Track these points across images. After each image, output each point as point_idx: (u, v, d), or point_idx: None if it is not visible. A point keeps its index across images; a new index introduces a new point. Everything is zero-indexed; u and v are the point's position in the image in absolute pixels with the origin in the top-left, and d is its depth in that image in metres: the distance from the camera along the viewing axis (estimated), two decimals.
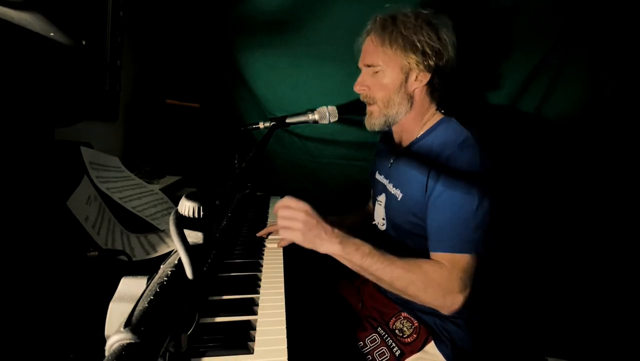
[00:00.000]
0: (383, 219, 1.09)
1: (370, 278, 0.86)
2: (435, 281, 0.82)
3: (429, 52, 0.91)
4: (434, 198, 0.88)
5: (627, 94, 1.30)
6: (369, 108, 1.03)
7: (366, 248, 0.83)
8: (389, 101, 0.97)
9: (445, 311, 0.84)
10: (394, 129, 1.07)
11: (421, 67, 0.92)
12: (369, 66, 0.98)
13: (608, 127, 1.35)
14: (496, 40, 1.31)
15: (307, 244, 0.83)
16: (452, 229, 0.85)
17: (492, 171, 0.87)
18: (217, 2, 1.42)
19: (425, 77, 0.94)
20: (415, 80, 0.95)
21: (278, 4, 1.34)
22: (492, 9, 1.26)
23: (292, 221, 0.83)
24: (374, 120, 1.02)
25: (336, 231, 0.84)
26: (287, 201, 0.85)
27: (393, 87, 0.95)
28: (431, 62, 0.92)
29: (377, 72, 0.97)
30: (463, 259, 0.84)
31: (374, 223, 1.16)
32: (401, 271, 0.82)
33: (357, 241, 0.84)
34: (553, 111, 1.37)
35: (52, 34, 0.81)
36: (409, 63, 0.93)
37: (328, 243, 0.83)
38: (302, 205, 0.84)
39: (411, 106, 0.98)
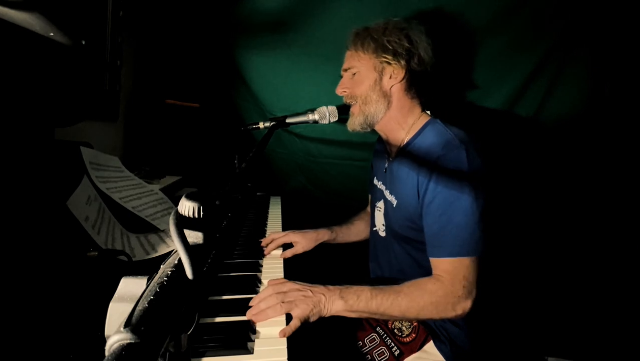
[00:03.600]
0: (383, 225, 1.10)
1: (382, 318, 0.86)
2: (442, 297, 0.83)
3: (400, 51, 0.97)
4: (427, 203, 0.89)
5: (627, 94, 1.30)
6: (351, 110, 1.07)
7: (366, 291, 0.82)
8: (366, 97, 1.01)
9: (460, 317, 0.85)
10: (380, 132, 1.08)
11: (394, 65, 0.98)
12: (347, 70, 1.06)
13: (608, 127, 1.35)
14: (496, 41, 1.31)
15: (315, 317, 0.79)
16: (448, 234, 0.85)
17: (482, 171, 0.87)
18: (217, 2, 1.42)
19: (399, 74, 0.99)
20: (390, 78, 1.00)
21: (278, 4, 1.34)
22: (492, 10, 1.26)
23: (292, 304, 0.78)
24: (354, 119, 1.05)
25: (331, 288, 0.83)
26: (275, 288, 0.81)
27: (369, 84, 1.01)
28: (402, 61, 0.97)
29: (354, 74, 1.04)
30: (462, 264, 0.84)
31: (374, 228, 1.16)
32: (408, 300, 0.83)
33: (356, 288, 0.83)
34: (554, 111, 1.37)
35: (52, 34, 0.81)
36: (381, 62, 0.99)
37: (330, 303, 0.81)
38: (288, 285, 0.82)
39: (389, 104, 1.01)
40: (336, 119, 1.18)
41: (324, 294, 0.81)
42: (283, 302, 0.76)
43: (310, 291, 0.81)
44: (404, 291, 0.84)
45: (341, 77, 1.08)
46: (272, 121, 1.17)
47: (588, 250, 1.49)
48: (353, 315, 0.83)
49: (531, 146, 1.44)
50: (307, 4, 1.33)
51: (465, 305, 0.83)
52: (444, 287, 0.84)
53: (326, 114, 1.16)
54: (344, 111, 1.19)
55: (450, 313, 0.84)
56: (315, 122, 1.17)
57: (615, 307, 1.48)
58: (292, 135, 1.63)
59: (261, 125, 1.19)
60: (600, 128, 1.36)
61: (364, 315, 0.84)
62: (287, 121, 1.18)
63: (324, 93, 1.45)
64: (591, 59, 1.29)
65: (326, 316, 0.81)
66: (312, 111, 1.17)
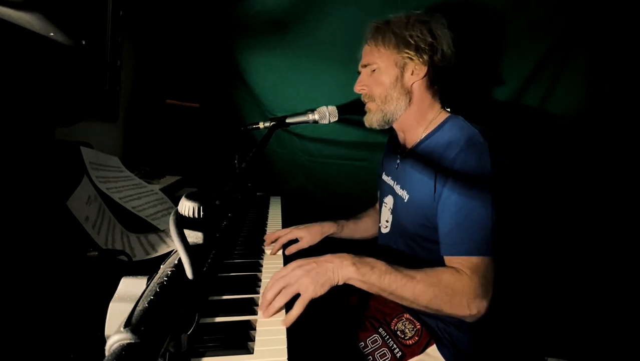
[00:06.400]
0: (387, 221, 1.09)
1: (390, 297, 0.79)
2: (459, 291, 0.77)
3: (423, 46, 0.93)
4: (443, 200, 0.85)
5: (626, 93, 1.30)
6: (367, 106, 1.04)
7: (382, 265, 0.77)
8: (386, 96, 0.98)
9: (470, 319, 0.80)
10: (397, 129, 1.06)
11: (416, 60, 0.94)
12: (366, 66, 1.02)
13: (607, 125, 1.36)
14: (497, 40, 1.31)
15: (325, 286, 0.74)
16: (466, 232, 0.81)
17: (503, 169, 0.84)
18: (217, 2, 1.42)
19: (422, 70, 0.95)
20: (412, 74, 0.96)
21: (278, 4, 1.34)
22: (492, 9, 1.26)
23: (296, 284, 0.74)
24: (371, 116, 1.02)
25: (343, 254, 0.78)
26: (278, 274, 0.78)
27: (389, 82, 0.97)
28: (425, 56, 0.94)
29: (374, 70, 1.00)
30: (481, 263, 0.80)
31: (378, 224, 1.16)
32: (423, 286, 0.77)
33: (371, 260, 0.78)
34: (554, 110, 1.37)
35: (52, 34, 0.81)
36: (402, 58, 0.95)
37: (340, 269, 0.76)
38: (290, 266, 0.78)
39: (410, 101, 0.98)
40: (336, 119, 1.18)
41: (331, 262, 0.76)
42: (285, 287, 0.74)
43: (315, 263, 0.76)
44: (419, 275, 0.78)
45: (359, 73, 1.05)
46: (272, 121, 1.17)
47: (588, 250, 1.49)
48: (364, 287, 0.77)
49: (530, 145, 1.44)
50: (308, 5, 1.33)
51: (481, 306, 0.77)
52: (462, 281, 0.78)
53: (326, 114, 1.16)
54: (344, 111, 1.19)
55: (464, 311, 0.77)
56: (315, 122, 1.17)
57: (615, 307, 1.48)
58: (292, 135, 1.63)
59: (261, 125, 1.19)
60: (600, 127, 1.36)
61: (374, 290, 0.78)
62: (287, 121, 1.18)
63: (324, 93, 1.45)
64: (591, 58, 1.29)
65: (339, 283, 0.75)
66: (312, 111, 1.17)
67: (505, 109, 1.41)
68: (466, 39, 1.30)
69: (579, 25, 1.24)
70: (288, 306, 0.75)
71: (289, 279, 0.75)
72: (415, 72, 0.96)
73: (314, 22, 1.36)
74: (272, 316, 0.73)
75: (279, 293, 0.74)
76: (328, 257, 0.78)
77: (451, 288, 0.77)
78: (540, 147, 1.44)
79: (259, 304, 0.75)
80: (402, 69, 0.96)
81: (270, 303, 0.73)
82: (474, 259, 0.80)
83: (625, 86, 1.30)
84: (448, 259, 0.84)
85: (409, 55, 0.94)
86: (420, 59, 0.94)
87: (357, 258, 0.78)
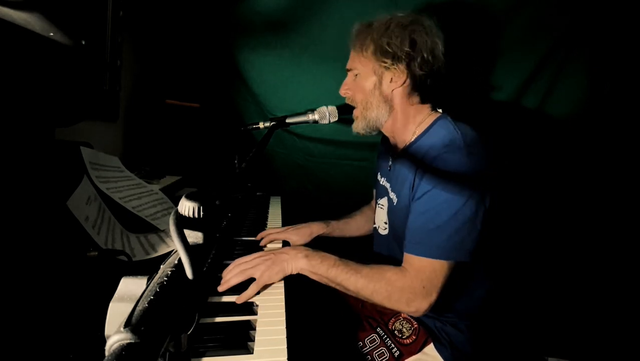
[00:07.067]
0: (385, 223, 1.09)
1: (338, 288, 0.87)
2: (398, 289, 0.83)
3: (400, 54, 0.91)
4: (415, 199, 0.87)
5: (626, 93, 1.30)
6: (354, 113, 1.04)
7: (331, 259, 0.87)
8: (366, 103, 0.98)
9: (416, 314, 0.86)
10: (386, 133, 1.06)
11: (394, 69, 0.92)
12: (349, 70, 1.03)
13: (607, 125, 1.36)
14: (498, 40, 1.31)
15: (279, 274, 0.85)
16: (426, 233, 0.83)
17: (481, 175, 0.83)
18: (217, 2, 1.42)
19: (400, 78, 0.93)
20: (391, 82, 0.95)
21: (278, 4, 1.34)
22: (493, 9, 1.26)
23: (253, 269, 0.84)
24: (357, 123, 1.03)
25: (299, 247, 0.90)
26: (240, 260, 0.88)
27: (368, 89, 0.97)
28: (402, 65, 0.92)
29: (356, 75, 1.00)
30: (430, 265, 0.82)
31: (375, 225, 1.15)
32: (365, 280, 0.84)
33: (323, 253, 0.88)
34: (554, 110, 1.37)
35: (52, 34, 0.81)
36: (380, 66, 0.94)
37: (294, 260, 0.86)
38: (252, 255, 0.88)
39: (391, 108, 0.97)
40: (336, 119, 1.18)
41: (287, 253, 0.87)
42: (243, 270, 0.83)
43: (273, 254, 0.87)
44: (364, 271, 0.85)
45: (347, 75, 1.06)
46: (272, 121, 1.17)
47: (588, 250, 1.49)
48: (315, 277, 0.87)
49: (530, 145, 1.44)
50: (308, 4, 1.33)
51: (420, 305, 0.83)
52: (403, 280, 0.83)
53: (326, 114, 1.16)
54: (344, 111, 1.19)
55: (403, 307, 0.85)
56: (316, 122, 1.17)
57: (615, 307, 1.48)
58: (292, 135, 1.63)
59: (261, 125, 1.19)
60: (600, 127, 1.36)
61: (323, 280, 0.87)
62: (287, 121, 1.17)
63: (324, 93, 1.45)
64: (591, 58, 1.29)
65: (293, 273, 0.86)
66: (312, 111, 1.17)
67: (506, 109, 1.41)
68: (466, 39, 1.30)
69: (579, 25, 1.24)
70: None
71: (248, 265, 0.85)
72: (394, 80, 0.94)
73: (315, 22, 1.36)
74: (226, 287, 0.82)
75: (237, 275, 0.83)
76: (285, 249, 0.89)
77: (392, 285, 0.84)
78: (540, 147, 1.44)
79: (221, 283, 0.83)
80: (381, 76, 0.95)
81: (226, 282, 0.82)
82: (424, 261, 0.83)
83: (625, 86, 1.30)
84: (405, 255, 0.87)
85: (386, 65, 0.92)
86: (397, 69, 0.92)
87: (311, 251, 0.88)
